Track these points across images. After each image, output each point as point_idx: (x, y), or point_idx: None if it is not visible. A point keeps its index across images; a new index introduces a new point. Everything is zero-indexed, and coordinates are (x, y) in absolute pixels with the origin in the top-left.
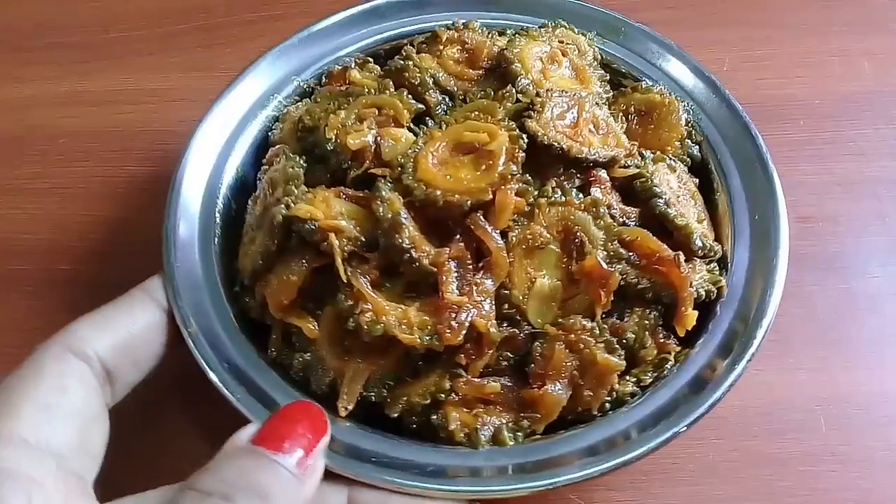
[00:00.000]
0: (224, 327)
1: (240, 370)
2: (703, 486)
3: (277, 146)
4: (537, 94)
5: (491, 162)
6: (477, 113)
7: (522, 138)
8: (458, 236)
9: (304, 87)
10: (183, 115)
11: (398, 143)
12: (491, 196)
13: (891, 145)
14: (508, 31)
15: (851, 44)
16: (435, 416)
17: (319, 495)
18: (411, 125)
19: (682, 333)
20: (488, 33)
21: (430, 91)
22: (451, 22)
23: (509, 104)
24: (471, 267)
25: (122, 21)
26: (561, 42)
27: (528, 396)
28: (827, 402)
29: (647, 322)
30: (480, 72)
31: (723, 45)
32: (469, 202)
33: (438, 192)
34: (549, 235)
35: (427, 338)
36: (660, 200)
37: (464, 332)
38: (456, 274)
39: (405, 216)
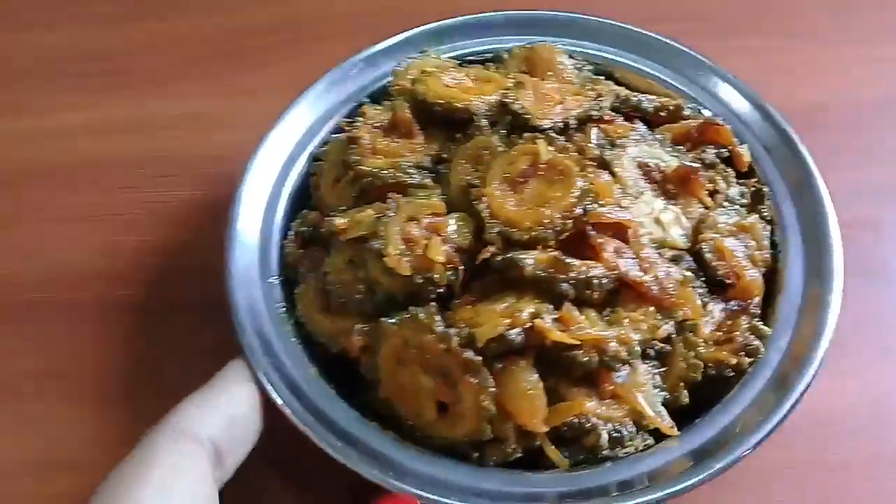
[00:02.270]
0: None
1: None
2: (762, 495)
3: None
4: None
5: (560, 168)
6: (484, 152)
7: (557, 137)
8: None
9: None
10: (224, 140)
11: (465, 226)
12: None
13: None
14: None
15: (881, 50)
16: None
17: None
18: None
19: (744, 168)
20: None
21: (413, 177)
22: (338, 123)
23: (502, 131)
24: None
25: (153, 48)
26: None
27: (737, 294)
28: (881, 407)
29: (727, 173)
30: (413, 135)
31: (747, 55)
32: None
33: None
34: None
35: None
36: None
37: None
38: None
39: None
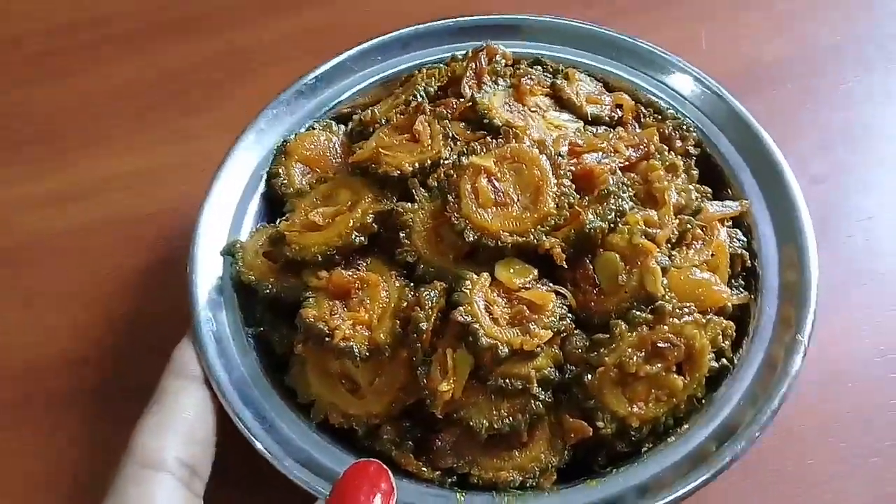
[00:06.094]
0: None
1: None
2: None
3: None
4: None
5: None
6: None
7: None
8: None
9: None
10: (174, 192)
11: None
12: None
13: (876, 90)
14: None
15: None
16: None
17: None
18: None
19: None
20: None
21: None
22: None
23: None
24: None
25: (83, 105)
26: None
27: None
28: None
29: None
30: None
31: (692, 21)
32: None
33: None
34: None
35: None
36: None
37: None
38: None
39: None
